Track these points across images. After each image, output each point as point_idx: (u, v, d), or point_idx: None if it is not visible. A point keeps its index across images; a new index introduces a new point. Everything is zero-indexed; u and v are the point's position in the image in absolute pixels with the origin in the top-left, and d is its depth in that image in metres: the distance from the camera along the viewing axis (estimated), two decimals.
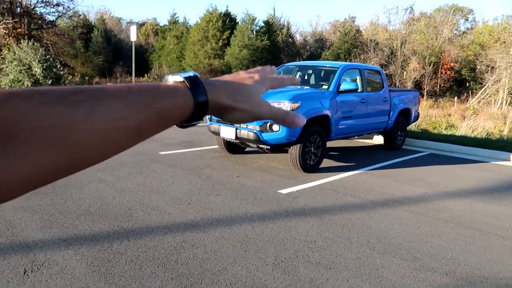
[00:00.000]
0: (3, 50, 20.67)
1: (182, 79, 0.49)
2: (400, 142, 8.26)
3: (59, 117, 0.35)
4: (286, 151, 6.07)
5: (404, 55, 31.80)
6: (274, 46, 33.13)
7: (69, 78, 19.30)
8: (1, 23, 22.26)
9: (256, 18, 33.09)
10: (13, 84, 18.70)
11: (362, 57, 30.58)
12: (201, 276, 2.85)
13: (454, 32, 37.65)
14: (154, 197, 4.57)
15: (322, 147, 6.08)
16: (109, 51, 37.05)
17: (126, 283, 2.72)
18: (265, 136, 5.60)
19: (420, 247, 3.58)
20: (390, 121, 7.71)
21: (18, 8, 23.91)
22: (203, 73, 34.69)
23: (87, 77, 24.04)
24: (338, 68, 6.65)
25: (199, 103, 0.48)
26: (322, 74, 7.01)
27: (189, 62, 35.28)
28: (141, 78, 37.45)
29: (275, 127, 5.54)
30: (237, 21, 35.90)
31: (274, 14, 34.64)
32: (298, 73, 7.27)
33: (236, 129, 5.80)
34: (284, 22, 35.36)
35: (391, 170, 6.57)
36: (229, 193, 4.86)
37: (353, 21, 35.52)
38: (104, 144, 0.39)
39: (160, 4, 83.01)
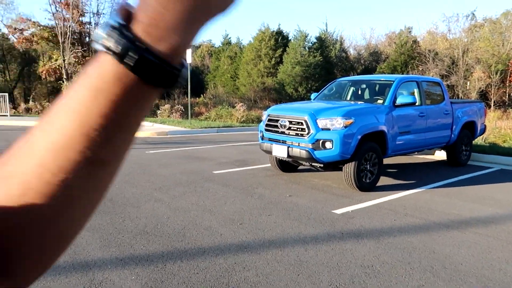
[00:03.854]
0: (74, 78, 22.45)
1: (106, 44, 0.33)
2: (465, 157, 7.70)
3: None
4: (341, 169, 5.89)
5: (467, 64, 30.09)
6: (327, 61, 32.91)
7: None
8: (72, 52, 24.25)
9: (308, 34, 33.17)
10: None
11: (421, 69, 29.38)
12: None
13: None
14: (207, 217, 4.60)
15: (378, 164, 5.82)
16: None
17: None
18: (318, 154, 5.47)
19: (492, 275, 3.24)
20: (453, 135, 7.23)
21: (87, 38, 25.96)
22: (256, 91, 35.21)
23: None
24: (393, 81, 6.38)
25: (140, 66, 0.32)
26: (376, 89, 6.77)
27: (242, 81, 36.04)
28: (197, 98, 38.83)
29: (328, 144, 5.40)
30: (289, 38, 36.20)
31: (326, 29, 34.56)
32: (352, 88, 7.09)
33: (288, 147, 5.74)
34: (337, 37, 35.09)
35: (456, 188, 6.11)
36: (282, 213, 4.77)
37: (410, 31, 34.32)
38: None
39: (214, 27, 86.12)
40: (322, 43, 33.32)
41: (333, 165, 5.71)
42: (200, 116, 20.63)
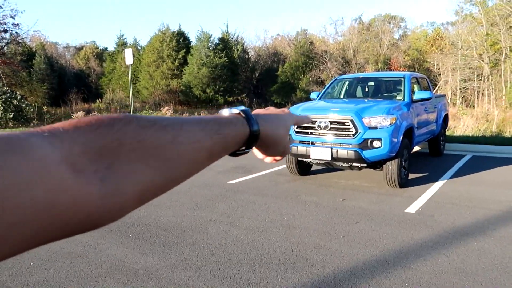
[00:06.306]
0: None
1: (238, 111, 0.55)
2: (442, 147, 8.35)
3: (154, 138, 0.40)
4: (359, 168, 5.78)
5: (358, 63, 33.26)
6: (232, 62, 32.98)
7: (31, 110, 17.51)
8: None
9: (211, 35, 32.82)
10: None
11: (322, 68, 31.44)
12: None
13: (392, 39, 40.13)
14: (297, 233, 4.07)
15: (408, 160, 5.91)
16: (53, 78, 34.64)
17: None
18: (366, 153, 5.31)
19: None
20: (438, 127, 7.77)
21: None
22: (161, 94, 33.53)
23: (44, 107, 21.94)
24: (404, 77, 6.57)
25: (253, 131, 0.54)
26: (386, 85, 6.89)
27: (144, 84, 34.03)
28: (92, 104, 35.34)
29: (377, 143, 5.28)
30: (190, 40, 35.34)
31: (227, 30, 34.59)
32: (359, 86, 7.10)
33: (332, 149, 5.45)
34: (237, 38, 35.41)
35: (469, 176, 6.43)
36: (364, 220, 4.48)
37: (306, 33, 36.52)
38: (187, 163, 0.44)
39: (101, 27, 79.97)
40: (225, 44, 33.27)
41: (376, 164, 5.61)
42: None
